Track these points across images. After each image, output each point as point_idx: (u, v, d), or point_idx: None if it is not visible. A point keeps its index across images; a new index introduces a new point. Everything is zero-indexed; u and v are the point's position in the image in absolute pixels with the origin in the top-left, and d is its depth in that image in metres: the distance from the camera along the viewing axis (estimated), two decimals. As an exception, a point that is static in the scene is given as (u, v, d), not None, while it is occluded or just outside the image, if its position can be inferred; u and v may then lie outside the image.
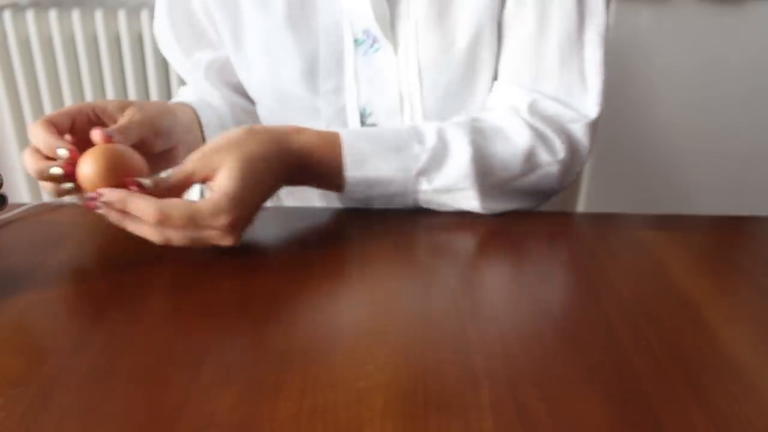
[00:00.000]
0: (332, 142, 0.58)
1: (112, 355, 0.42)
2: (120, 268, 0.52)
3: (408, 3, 0.65)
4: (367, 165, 0.59)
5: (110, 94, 1.48)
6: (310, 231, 0.59)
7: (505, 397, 0.39)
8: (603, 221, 0.62)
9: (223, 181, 0.51)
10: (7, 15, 1.41)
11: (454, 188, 0.60)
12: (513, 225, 0.60)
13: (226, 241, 0.52)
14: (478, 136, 0.61)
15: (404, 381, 0.40)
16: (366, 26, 0.66)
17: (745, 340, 0.45)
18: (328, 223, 0.61)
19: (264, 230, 0.59)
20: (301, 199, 0.77)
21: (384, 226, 0.60)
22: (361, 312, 0.47)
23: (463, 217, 0.62)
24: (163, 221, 0.49)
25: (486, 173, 0.61)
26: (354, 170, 0.58)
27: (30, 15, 1.40)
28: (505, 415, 0.37)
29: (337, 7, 0.66)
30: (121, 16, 1.40)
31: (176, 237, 0.51)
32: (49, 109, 1.49)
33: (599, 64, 0.65)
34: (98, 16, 1.40)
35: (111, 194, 0.50)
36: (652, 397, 0.39)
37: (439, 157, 0.60)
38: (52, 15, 1.40)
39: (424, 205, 0.63)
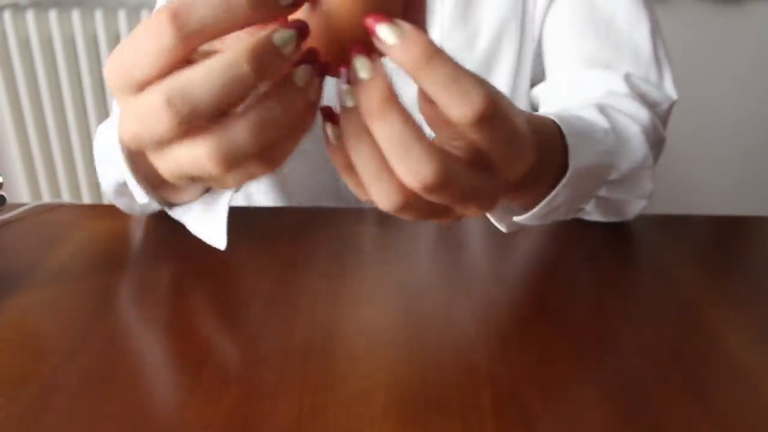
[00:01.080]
0: (540, 121, 0.43)
1: (112, 355, 0.42)
2: (120, 268, 0.52)
3: (433, 1, 0.64)
4: (581, 151, 0.45)
5: (110, 93, 1.48)
6: (310, 230, 0.59)
7: (505, 397, 0.39)
8: (603, 221, 0.62)
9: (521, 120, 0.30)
10: (7, 15, 1.41)
11: (639, 168, 0.52)
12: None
13: (486, 207, 0.31)
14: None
15: (404, 381, 0.40)
16: None
17: (745, 340, 0.45)
18: (327, 222, 0.61)
19: (262, 231, 0.59)
20: (291, 196, 0.76)
21: (383, 224, 0.60)
22: (361, 312, 0.47)
23: (466, 219, 0.62)
24: (485, 118, 0.27)
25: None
26: (576, 158, 0.44)
27: (30, 15, 1.40)
28: (506, 416, 0.37)
29: None
30: (121, 16, 1.41)
31: (463, 174, 0.28)
32: (49, 109, 1.50)
33: (665, 47, 0.65)
34: (98, 16, 1.40)
35: (417, 45, 0.26)
36: (652, 397, 0.39)
37: (619, 136, 0.51)
38: (52, 15, 1.40)
39: (590, 209, 0.54)
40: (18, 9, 1.42)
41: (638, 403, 0.39)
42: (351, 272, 0.52)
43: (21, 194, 1.60)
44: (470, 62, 0.67)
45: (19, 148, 1.55)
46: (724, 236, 0.61)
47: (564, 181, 0.44)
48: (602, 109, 0.52)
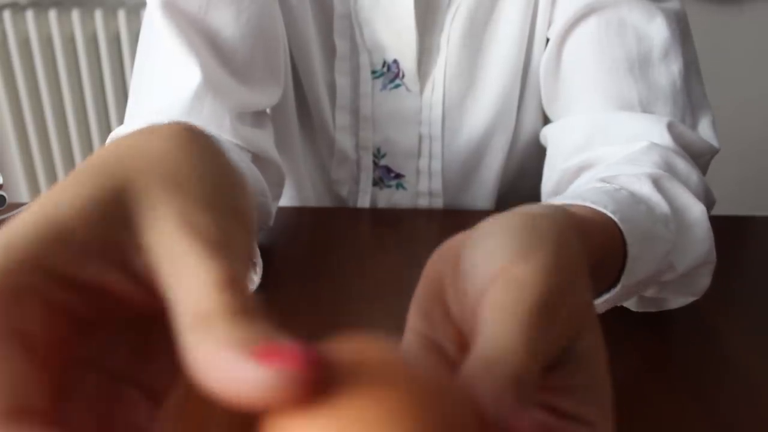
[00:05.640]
0: (604, 223, 0.36)
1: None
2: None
3: (438, 42, 0.60)
4: (640, 262, 0.37)
5: (110, 94, 1.48)
6: (312, 230, 0.59)
7: (505, 397, 0.39)
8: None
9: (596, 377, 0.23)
10: (7, 15, 1.41)
11: (700, 266, 0.43)
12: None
13: None
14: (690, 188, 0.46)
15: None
16: (390, 59, 0.60)
17: (746, 340, 0.45)
18: (330, 221, 0.61)
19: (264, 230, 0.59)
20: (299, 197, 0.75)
21: (385, 224, 0.60)
22: (361, 312, 0.47)
23: (464, 217, 0.62)
24: None
25: None
26: (630, 273, 0.37)
27: (30, 15, 1.40)
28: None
29: (356, 31, 0.60)
30: (121, 16, 1.40)
31: None
32: (48, 109, 1.49)
33: (702, 87, 0.57)
34: (98, 16, 1.40)
35: None
36: (652, 396, 0.39)
37: (680, 224, 0.42)
38: (52, 15, 1.40)
39: (635, 306, 0.45)
40: (18, 9, 1.42)
41: (638, 402, 0.39)
42: (352, 272, 0.52)
43: (21, 194, 1.60)
44: (474, 108, 0.62)
45: (19, 148, 1.55)
46: (723, 236, 0.60)
47: (606, 296, 0.37)
48: (658, 184, 0.43)
